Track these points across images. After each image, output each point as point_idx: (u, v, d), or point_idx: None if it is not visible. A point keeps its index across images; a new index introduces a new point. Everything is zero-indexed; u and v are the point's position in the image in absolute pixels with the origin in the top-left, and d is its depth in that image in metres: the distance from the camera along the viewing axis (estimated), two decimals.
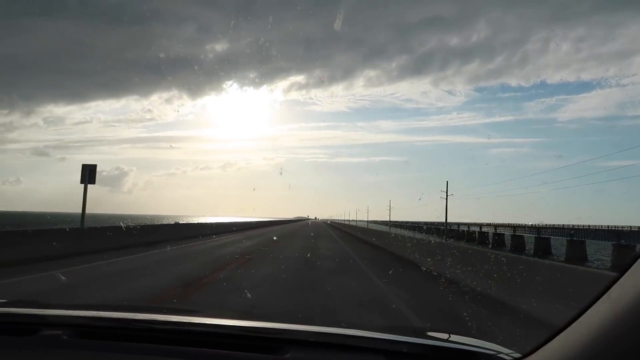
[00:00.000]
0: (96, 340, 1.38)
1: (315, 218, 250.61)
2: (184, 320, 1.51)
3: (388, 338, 1.42)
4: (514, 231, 58.85)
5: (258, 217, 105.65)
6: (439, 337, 1.48)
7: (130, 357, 1.26)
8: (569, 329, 0.95)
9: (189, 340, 1.36)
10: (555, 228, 52.36)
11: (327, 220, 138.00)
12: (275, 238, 26.26)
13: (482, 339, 1.42)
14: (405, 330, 1.86)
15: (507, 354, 1.21)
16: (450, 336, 1.50)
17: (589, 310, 0.90)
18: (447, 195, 53.30)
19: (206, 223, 32.06)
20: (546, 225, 53.92)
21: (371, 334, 1.44)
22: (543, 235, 52.26)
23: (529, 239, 54.58)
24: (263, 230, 38.03)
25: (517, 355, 1.16)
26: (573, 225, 48.90)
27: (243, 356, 1.27)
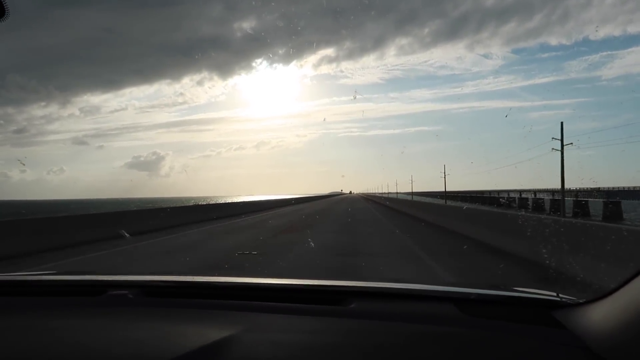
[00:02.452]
0: (161, 298, 1.46)
1: (351, 192, 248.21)
2: (248, 281, 1.56)
3: (455, 290, 1.47)
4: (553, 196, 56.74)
5: (293, 195, 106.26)
6: (506, 288, 1.50)
7: (196, 312, 1.30)
8: (636, 279, 0.99)
9: (253, 295, 1.41)
10: (603, 191, 50.22)
11: (368, 195, 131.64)
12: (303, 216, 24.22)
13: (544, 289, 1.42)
14: (470, 284, 1.90)
15: (573, 300, 1.24)
16: (516, 288, 1.52)
17: None
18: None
19: (241, 202, 36.62)
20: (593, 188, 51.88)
21: (437, 287, 1.47)
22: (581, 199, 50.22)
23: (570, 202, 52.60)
24: (293, 208, 37.82)
25: (581, 301, 1.20)
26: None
27: (306, 308, 1.30)
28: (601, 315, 1.07)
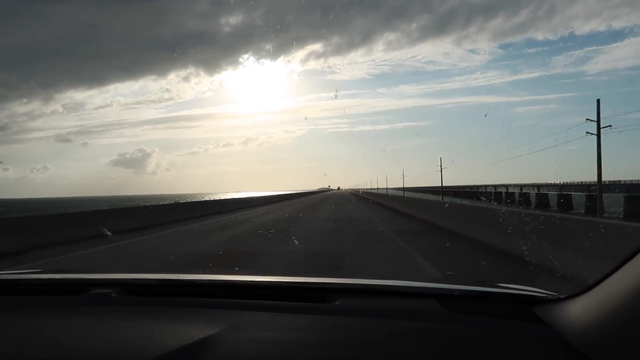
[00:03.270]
0: (144, 296, 1.46)
1: (339, 188, 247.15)
2: (232, 278, 1.57)
3: (438, 286, 1.46)
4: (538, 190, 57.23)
5: (281, 191, 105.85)
6: (488, 284, 1.51)
7: (180, 310, 1.30)
8: (619, 271, 0.99)
9: (237, 293, 1.40)
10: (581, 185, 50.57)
11: (354, 190, 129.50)
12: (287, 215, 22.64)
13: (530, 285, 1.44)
14: (454, 280, 1.91)
15: (554, 296, 1.25)
16: (499, 283, 1.53)
17: (636, 258, 0.95)
18: None
19: (228, 199, 35.99)
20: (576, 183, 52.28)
21: (420, 284, 1.49)
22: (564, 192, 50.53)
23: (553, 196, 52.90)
24: (279, 205, 36.17)
25: (562, 296, 1.21)
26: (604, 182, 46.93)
27: (291, 305, 1.29)
28: (580, 310, 1.09)
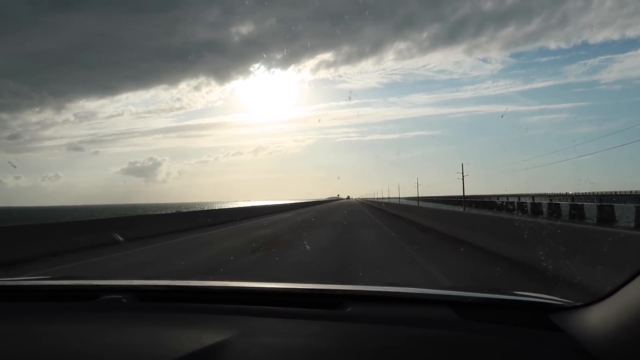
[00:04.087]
0: (155, 302, 1.46)
1: (348, 197, 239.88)
2: (242, 285, 1.56)
3: (452, 293, 1.45)
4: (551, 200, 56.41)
5: (291, 200, 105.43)
6: (503, 291, 1.50)
7: (190, 316, 1.30)
8: (632, 282, 0.99)
9: (247, 299, 1.40)
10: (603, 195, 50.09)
11: (366, 200, 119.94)
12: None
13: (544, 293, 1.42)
14: (468, 288, 1.90)
15: (570, 303, 1.24)
16: (514, 291, 1.51)
17: None
18: None
19: (237, 208, 35.09)
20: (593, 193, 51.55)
21: (434, 291, 1.47)
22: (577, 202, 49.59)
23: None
24: (283, 215, 33.93)
25: (578, 304, 1.20)
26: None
27: (302, 312, 1.28)
28: (598, 318, 1.07)
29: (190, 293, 1.52)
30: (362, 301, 1.38)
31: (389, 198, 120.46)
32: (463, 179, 63.04)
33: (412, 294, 1.45)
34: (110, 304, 1.42)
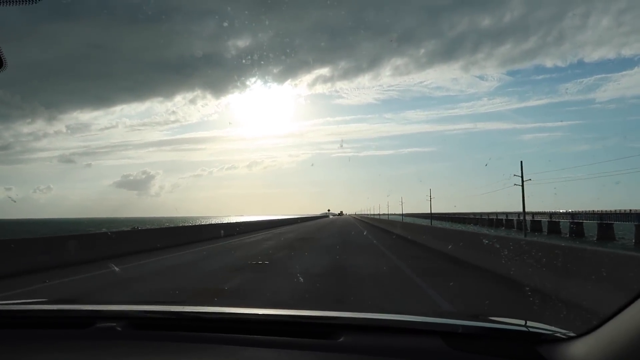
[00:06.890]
0: (149, 330, 1.46)
1: (341, 213, 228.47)
2: (237, 311, 1.57)
3: (442, 322, 1.45)
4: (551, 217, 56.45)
5: (285, 215, 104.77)
6: (494, 320, 1.52)
7: (184, 346, 1.31)
8: (625, 311, 0.99)
9: (241, 328, 1.39)
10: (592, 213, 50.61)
11: (362, 217, 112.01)
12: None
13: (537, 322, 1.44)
14: (459, 315, 1.89)
15: (562, 334, 1.25)
16: (504, 319, 1.54)
17: None
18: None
19: (230, 223, 35.31)
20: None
21: (425, 319, 1.48)
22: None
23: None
24: (273, 231, 31.84)
25: (572, 334, 1.21)
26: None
27: (295, 342, 1.29)
28: (584, 351, 1.08)
29: (183, 320, 1.53)
30: (354, 330, 1.39)
31: (380, 215, 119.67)
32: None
33: (403, 322, 1.47)
34: (105, 333, 1.41)
